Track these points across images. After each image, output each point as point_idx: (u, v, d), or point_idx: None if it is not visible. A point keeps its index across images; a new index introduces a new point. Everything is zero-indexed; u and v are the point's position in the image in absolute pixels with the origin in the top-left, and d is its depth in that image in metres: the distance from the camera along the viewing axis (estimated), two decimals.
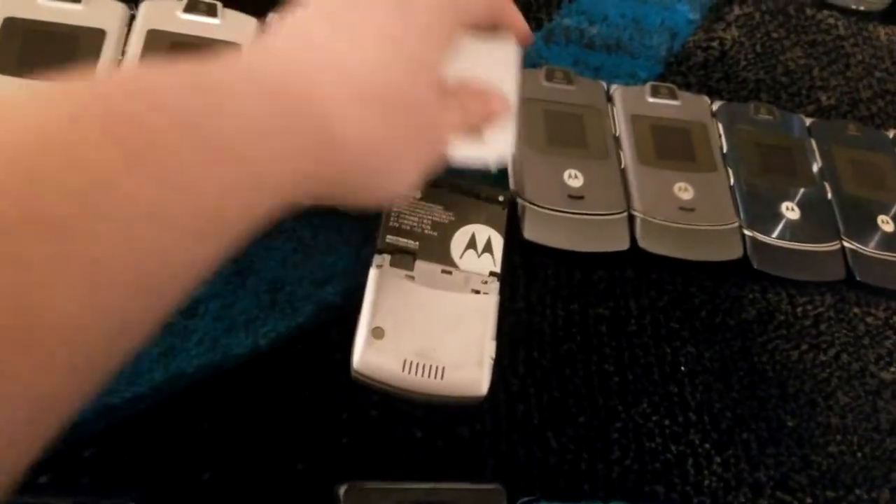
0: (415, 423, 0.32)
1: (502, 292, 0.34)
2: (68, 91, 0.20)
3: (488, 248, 0.35)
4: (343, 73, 0.25)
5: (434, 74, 0.28)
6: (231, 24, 0.39)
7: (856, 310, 0.41)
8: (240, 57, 0.25)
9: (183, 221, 0.19)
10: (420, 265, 0.33)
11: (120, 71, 0.22)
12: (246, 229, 0.22)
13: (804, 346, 0.39)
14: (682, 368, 0.36)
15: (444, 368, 0.31)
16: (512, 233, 0.37)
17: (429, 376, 0.31)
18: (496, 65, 0.31)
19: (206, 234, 0.20)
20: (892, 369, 0.39)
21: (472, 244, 0.34)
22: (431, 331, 0.32)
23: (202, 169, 0.20)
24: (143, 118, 0.19)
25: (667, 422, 0.35)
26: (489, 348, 0.32)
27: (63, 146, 0.17)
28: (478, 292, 0.33)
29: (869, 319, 0.41)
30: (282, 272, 0.34)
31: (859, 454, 0.36)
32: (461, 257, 0.34)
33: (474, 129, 0.30)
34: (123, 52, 0.37)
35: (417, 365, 0.31)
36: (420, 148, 0.28)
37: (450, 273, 0.34)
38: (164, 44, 0.38)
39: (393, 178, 0.28)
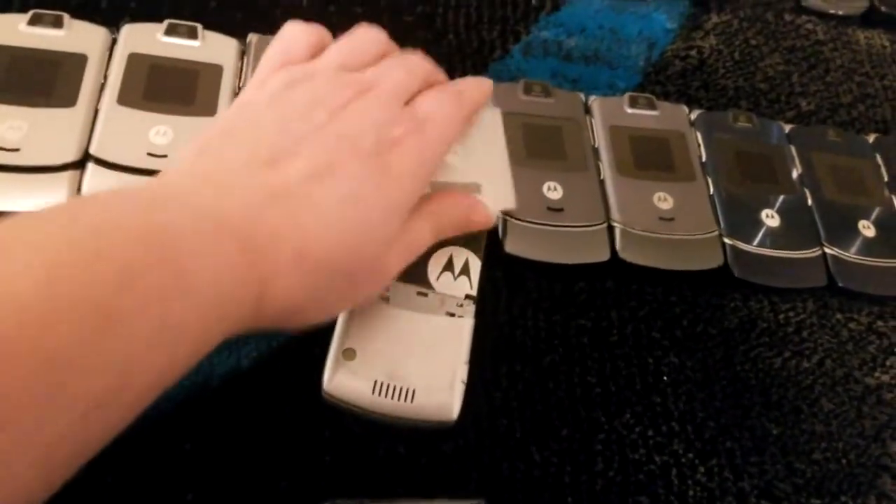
0: (397, 440, 0.32)
1: (480, 312, 0.34)
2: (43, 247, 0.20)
3: (465, 270, 0.34)
4: (300, 239, 0.25)
5: (400, 217, 0.28)
6: (212, 47, 0.40)
7: (838, 315, 0.41)
8: (202, 193, 0.25)
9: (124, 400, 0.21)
10: (395, 286, 0.33)
11: (79, 214, 0.22)
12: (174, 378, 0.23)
13: (787, 354, 0.39)
14: (665, 378, 0.37)
15: (414, 391, 0.30)
16: (492, 246, 0.37)
17: (399, 399, 0.30)
18: (482, 130, 0.34)
19: (131, 407, 0.22)
20: (877, 374, 0.39)
21: (449, 266, 0.34)
22: (404, 353, 0.31)
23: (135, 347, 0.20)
24: (102, 297, 0.19)
25: (650, 432, 0.35)
26: (461, 372, 0.32)
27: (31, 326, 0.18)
28: (453, 315, 0.33)
29: (852, 325, 0.41)
30: None
31: (844, 461, 0.36)
32: (437, 279, 0.34)
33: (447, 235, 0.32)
34: (105, 77, 0.37)
35: (388, 387, 0.30)
36: (353, 296, 0.29)
37: (425, 295, 0.33)
38: (145, 67, 0.38)
39: (319, 319, 0.29)
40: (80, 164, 0.35)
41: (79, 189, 0.34)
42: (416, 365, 0.31)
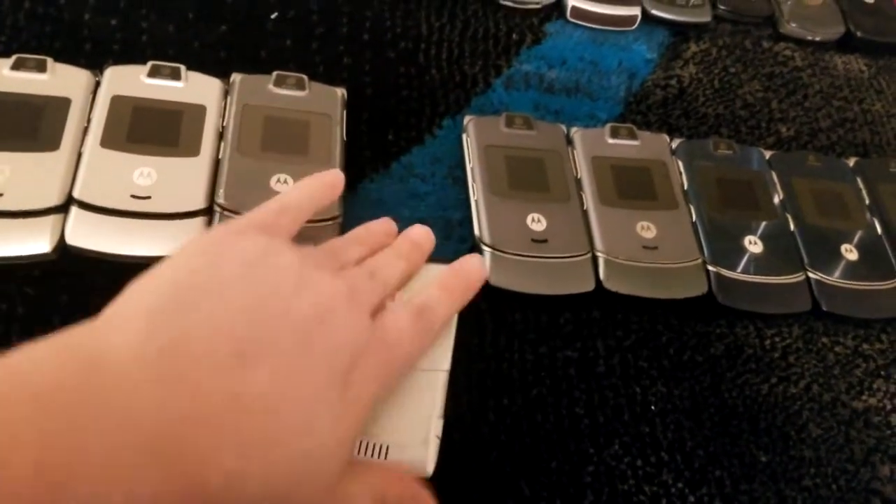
0: None
1: (465, 345, 0.33)
2: None
3: None
4: (238, 466, 0.22)
5: (348, 450, 0.26)
6: (195, 87, 0.40)
7: (824, 340, 0.41)
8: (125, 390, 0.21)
9: None
10: None
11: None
12: None
13: (774, 380, 0.39)
14: (653, 408, 0.37)
15: (387, 447, 0.29)
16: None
17: (372, 455, 0.29)
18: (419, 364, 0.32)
19: None
20: (864, 398, 0.39)
21: None
22: (377, 408, 0.29)
23: None
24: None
25: (639, 462, 0.35)
26: (435, 427, 0.30)
27: None
28: (427, 369, 0.32)
29: (838, 349, 0.41)
30: None
31: (834, 486, 0.36)
32: None
33: None
34: (89, 119, 0.38)
35: (360, 443, 0.29)
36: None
37: None
38: (129, 109, 0.38)
39: None
40: (63, 208, 0.35)
41: (62, 233, 0.34)
42: (389, 420, 0.30)
